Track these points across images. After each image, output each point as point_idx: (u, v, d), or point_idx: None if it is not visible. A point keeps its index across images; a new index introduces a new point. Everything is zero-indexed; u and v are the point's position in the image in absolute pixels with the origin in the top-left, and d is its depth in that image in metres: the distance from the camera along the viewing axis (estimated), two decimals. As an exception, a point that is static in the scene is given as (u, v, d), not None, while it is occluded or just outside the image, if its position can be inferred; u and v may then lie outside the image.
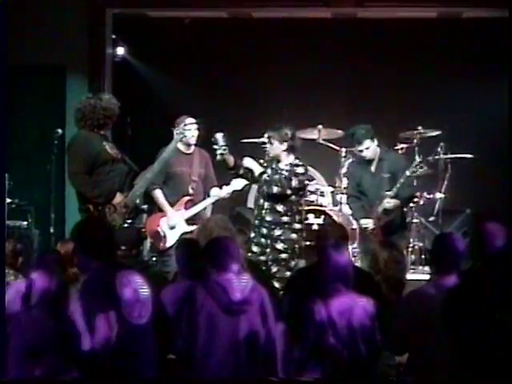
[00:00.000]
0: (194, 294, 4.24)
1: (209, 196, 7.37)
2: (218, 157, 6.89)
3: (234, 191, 7.40)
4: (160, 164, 6.73)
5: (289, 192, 6.68)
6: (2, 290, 4.09)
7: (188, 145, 7.30)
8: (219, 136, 6.93)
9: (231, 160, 6.89)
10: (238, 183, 7.33)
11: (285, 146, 6.78)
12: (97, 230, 4.49)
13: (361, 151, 7.35)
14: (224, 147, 6.83)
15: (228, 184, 7.39)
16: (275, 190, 6.70)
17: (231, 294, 4.20)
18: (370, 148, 7.34)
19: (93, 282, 4.17)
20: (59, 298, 4.10)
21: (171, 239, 7.08)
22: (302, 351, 4.05)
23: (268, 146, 6.86)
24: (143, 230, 7.67)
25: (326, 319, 4.01)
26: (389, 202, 7.23)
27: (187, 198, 7.26)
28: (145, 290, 3.98)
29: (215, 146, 6.91)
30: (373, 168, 7.41)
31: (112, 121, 6.62)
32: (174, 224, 7.13)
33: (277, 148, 6.79)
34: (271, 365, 4.30)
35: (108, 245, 4.40)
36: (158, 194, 7.21)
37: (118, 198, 6.38)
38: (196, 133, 7.27)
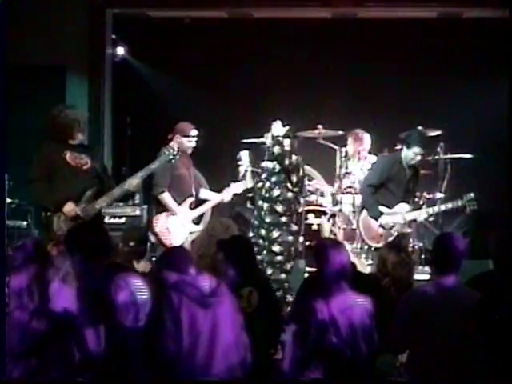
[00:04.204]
0: (170, 297, 4.31)
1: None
2: (242, 173, 7.12)
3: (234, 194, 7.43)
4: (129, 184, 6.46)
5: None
6: (2, 290, 4.10)
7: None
8: (244, 154, 7.18)
9: (250, 182, 7.03)
10: (238, 187, 7.37)
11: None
12: (91, 232, 4.53)
13: (417, 154, 7.21)
14: (248, 165, 7.11)
15: (228, 186, 7.44)
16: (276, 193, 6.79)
17: (202, 289, 4.32)
18: (421, 155, 7.28)
19: (88, 285, 4.19)
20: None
21: (179, 238, 7.09)
22: (304, 350, 4.06)
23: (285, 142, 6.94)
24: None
25: (328, 318, 4.03)
26: (424, 217, 7.30)
27: (191, 198, 7.28)
28: (142, 293, 3.95)
29: (240, 163, 7.13)
30: (408, 171, 7.35)
31: (73, 132, 6.40)
32: (185, 223, 7.13)
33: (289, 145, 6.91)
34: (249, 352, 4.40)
35: (103, 247, 4.44)
36: (167, 197, 7.18)
37: (68, 207, 6.21)
38: (194, 144, 7.29)
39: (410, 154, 7.24)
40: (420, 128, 7.95)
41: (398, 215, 7.26)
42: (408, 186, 7.43)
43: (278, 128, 6.95)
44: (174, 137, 7.19)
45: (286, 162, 6.78)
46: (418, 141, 7.25)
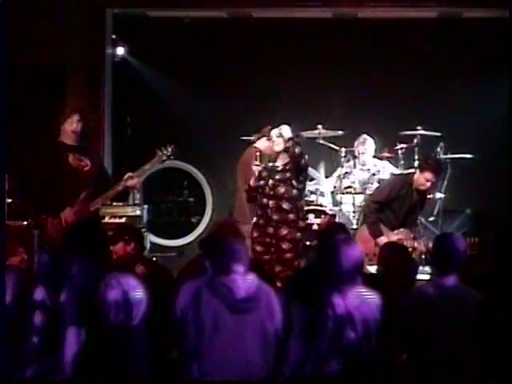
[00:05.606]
0: (199, 295, 4.23)
1: None
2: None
3: None
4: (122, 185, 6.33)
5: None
6: (1, 289, 4.10)
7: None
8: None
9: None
10: None
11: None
12: (89, 234, 4.55)
13: (428, 180, 7.14)
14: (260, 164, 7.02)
15: None
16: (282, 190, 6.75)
17: (236, 293, 4.19)
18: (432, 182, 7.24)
19: (82, 283, 4.20)
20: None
21: None
22: (320, 347, 4.01)
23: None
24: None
25: (345, 313, 4.00)
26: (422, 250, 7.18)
27: None
28: (136, 292, 3.93)
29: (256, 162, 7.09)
30: (415, 195, 7.28)
31: (60, 129, 6.29)
32: None
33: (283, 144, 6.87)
34: (280, 362, 4.26)
35: (100, 246, 4.45)
36: None
37: (66, 212, 6.14)
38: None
39: (421, 178, 7.13)
40: (423, 130, 7.89)
41: (399, 240, 7.14)
42: (412, 209, 7.29)
43: (288, 130, 6.91)
44: (262, 139, 7.22)
45: (303, 161, 6.78)
46: (432, 167, 7.15)
